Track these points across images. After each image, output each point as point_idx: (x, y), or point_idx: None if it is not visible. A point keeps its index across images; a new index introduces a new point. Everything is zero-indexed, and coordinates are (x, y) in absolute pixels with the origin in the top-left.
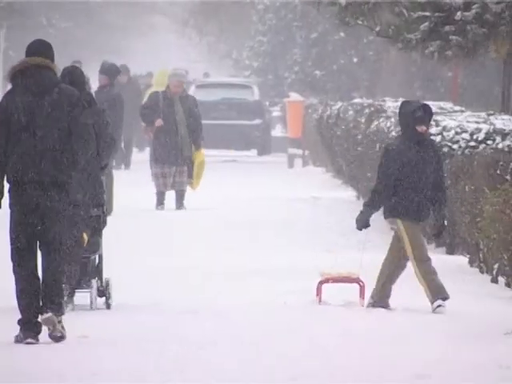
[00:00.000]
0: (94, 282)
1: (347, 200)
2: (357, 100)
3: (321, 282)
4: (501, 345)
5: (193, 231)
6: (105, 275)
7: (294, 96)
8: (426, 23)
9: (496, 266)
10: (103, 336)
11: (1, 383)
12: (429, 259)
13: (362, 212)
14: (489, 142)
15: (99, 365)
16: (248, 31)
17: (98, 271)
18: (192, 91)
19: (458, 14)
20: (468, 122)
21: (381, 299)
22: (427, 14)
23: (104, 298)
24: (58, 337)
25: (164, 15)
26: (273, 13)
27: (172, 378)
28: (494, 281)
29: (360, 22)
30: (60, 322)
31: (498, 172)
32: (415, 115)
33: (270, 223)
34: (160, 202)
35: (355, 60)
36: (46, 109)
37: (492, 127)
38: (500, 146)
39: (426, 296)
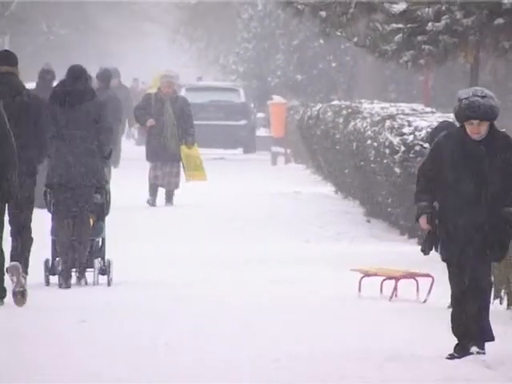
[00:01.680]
0: (97, 262)
1: (326, 194)
2: (335, 102)
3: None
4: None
5: (182, 224)
6: (106, 257)
7: (277, 98)
8: (400, 34)
9: None
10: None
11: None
12: None
13: None
14: None
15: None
16: (234, 38)
17: (101, 252)
18: (182, 94)
19: (430, 24)
20: (438, 121)
21: None
22: (401, 26)
23: (106, 276)
24: (20, 291)
25: (156, 23)
26: (257, 21)
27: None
28: None
29: (339, 34)
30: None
31: None
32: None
33: (254, 216)
34: (151, 194)
35: (333, 65)
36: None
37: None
38: None
39: None
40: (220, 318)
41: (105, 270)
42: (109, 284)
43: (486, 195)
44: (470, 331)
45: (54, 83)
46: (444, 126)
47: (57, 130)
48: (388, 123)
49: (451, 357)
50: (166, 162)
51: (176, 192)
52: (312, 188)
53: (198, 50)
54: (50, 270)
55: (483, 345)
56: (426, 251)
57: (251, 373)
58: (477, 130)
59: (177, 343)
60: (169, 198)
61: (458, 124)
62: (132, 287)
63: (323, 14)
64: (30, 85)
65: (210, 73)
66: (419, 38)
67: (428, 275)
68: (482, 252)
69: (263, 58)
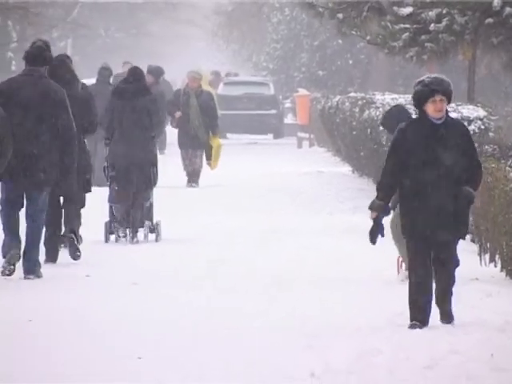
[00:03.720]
0: (147, 223)
1: (344, 174)
2: (352, 94)
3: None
4: (468, 288)
5: (218, 198)
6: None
7: (302, 91)
8: (407, 33)
9: None
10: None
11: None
12: None
13: None
14: None
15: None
16: (265, 40)
17: (149, 215)
18: (220, 88)
19: (432, 25)
20: None
21: None
22: (407, 26)
23: (154, 235)
24: None
25: (197, 27)
26: (284, 25)
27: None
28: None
29: (354, 33)
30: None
31: None
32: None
33: (283, 192)
34: (190, 178)
35: (350, 62)
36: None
37: (460, 115)
38: None
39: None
40: (254, 278)
41: (153, 229)
42: (156, 240)
43: (448, 176)
44: (428, 302)
45: (111, 79)
46: (396, 110)
47: (118, 119)
48: None
49: (413, 326)
50: (192, 149)
51: (211, 171)
52: (332, 168)
53: (234, 50)
54: (108, 230)
55: (451, 319)
56: (373, 241)
57: (283, 326)
58: (440, 106)
59: (216, 302)
60: (192, 178)
61: (411, 109)
62: (176, 244)
63: (340, 16)
64: (91, 80)
65: (243, 69)
66: (423, 36)
67: None
68: (449, 231)
69: (290, 57)
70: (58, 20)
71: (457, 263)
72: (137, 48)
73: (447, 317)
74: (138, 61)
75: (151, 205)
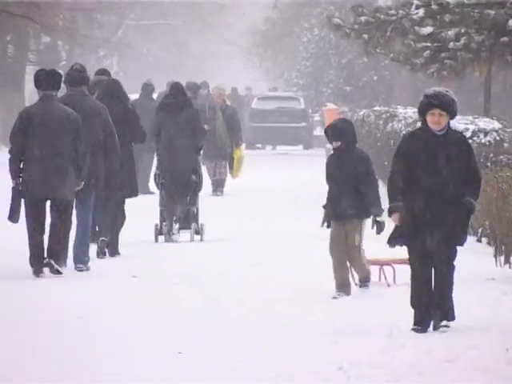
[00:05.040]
0: (193, 225)
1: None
2: (376, 108)
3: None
4: (484, 288)
5: (252, 203)
6: (200, 221)
7: (330, 105)
8: (427, 51)
9: (480, 230)
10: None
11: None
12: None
13: None
14: (474, 138)
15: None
16: (296, 57)
17: (196, 218)
18: (255, 102)
19: (451, 44)
20: (459, 123)
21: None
22: (428, 44)
23: (199, 236)
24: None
25: (233, 46)
26: (314, 44)
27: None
28: (479, 241)
29: (378, 51)
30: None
31: (482, 160)
32: (327, 134)
33: (312, 198)
34: (215, 187)
35: (375, 78)
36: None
37: (477, 127)
38: (483, 141)
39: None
40: (286, 281)
41: (198, 231)
42: (201, 240)
43: (447, 185)
44: (432, 309)
45: (154, 94)
46: (341, 122)
47: (164, 131)
48: (419, 124)
49: (418, 330)
50: (217, 159)
51: (244, 178)
52: None
53: (267, 67)
54: (158, 231)
55: (451, 317)
56: (392, 245)
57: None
58: (438, 120)
59: (251, 301)
60: (217, 187)
61: (351, 122)
62: (218, 245)
63: (366, 36)
64: (134, 96)
65: (276, 85)
66: (442, 54)
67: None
68: (448, 238)
69: (319, 73)
70: (104, 40)
71: (453, 267)
72: (177, 65)
73: (446, 315)
74: (178, 77)
75: (197, 209)
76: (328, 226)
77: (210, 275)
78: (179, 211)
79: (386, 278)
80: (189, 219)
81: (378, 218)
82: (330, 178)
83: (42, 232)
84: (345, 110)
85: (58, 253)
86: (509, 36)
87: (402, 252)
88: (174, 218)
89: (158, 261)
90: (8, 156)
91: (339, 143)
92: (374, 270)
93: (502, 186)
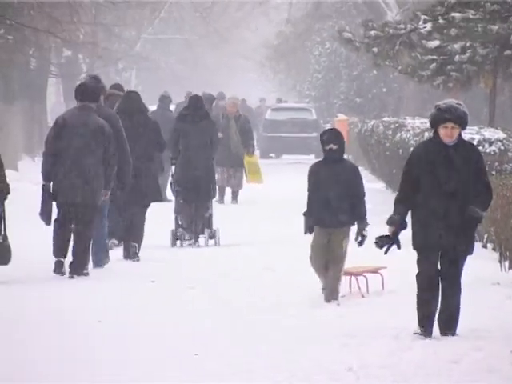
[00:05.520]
0: (207, 231)
1: (379, 189)
2: (385, 118)
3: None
4: (489, 292)
5: (264, 209)
6: (214, 227)
7: (341, 116)
8: (434, 64)
9: (485, 236)
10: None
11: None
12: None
13: None
14: (480, 147)
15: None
16: (308, 70)
17: (209, 224)
18: (268, 113)
19: (457, 57)
20: (465, 133)
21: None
22: (435, 57)
23: (213, 241)
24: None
25: (248, 59)
26: (325, 57)
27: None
28: (484, 246)
29: (387, 64)
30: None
31: (487, 169)
32: (323, 138)
33: None
34: (220, 194)
35: (384, 90)
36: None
37: (482, 137)
38: (488, 150)
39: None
40: (299, 286)
41: (212, 236)
42: (216, 244)
43: (457, 195)
44: (434, 313)
45: (171, 106)
46: (335, 129)
47: (183, 141)
48: (427, 134)
49: (423, 333)
50: (233, 167)
51: (256, 187)
52: (368, 184)
53: (280, 79)
54: (175, 237)
55: (455, 331)
56: (386, 252)
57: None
58: (450, 133)
59: (264, 305)
60: (234, 197)
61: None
62: (231, 249)
63: (375, 49)
64: (152, 107)
65: (288, 97)
66: (448, 66)
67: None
68: (457, 249)
69: (330, 85)
70: (122, 53)
71: (461, 275)
72: (194, 78)
73: (451, 329)
74: (194, 90)
75: (210, 215)
76: (311, 232)
77: (223, 279)
78: (198, 217)
79: (359, 288)
80: (203, 225)
81: (364, 232)
82: (320, 185)
83: (68, 234)
84: (355, 120)
85: (80, 257)
86: None
87: (373, 261)
88: (189, 224)
89: (173, 265)
90: (41, 159)
91: (336, 146)
92: (345, 281)
93: (506, 194)
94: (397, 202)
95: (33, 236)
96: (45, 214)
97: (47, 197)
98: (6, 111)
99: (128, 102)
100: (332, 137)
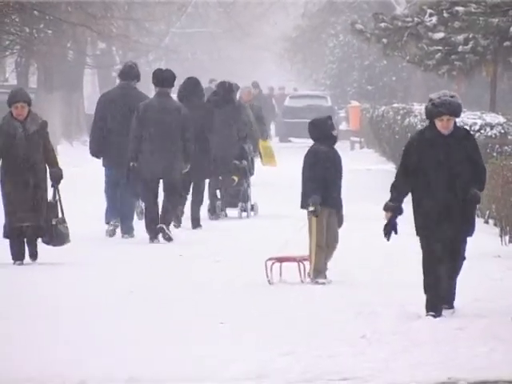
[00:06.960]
0: (240, 204)
1: (389, 170)
2: (395, 105)
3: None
4: (491, 264)
5: (285, 190)
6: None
7: (354, 103)
8: (439, 54)
9: (487, 213)
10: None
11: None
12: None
13: None
14: (482, 131)
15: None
16: (323, 61)
17: (244, 198)
18: (287, 100)
19: (460, 47)
20: (468, 118)
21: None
22: (440, 47)
23: (246, 213)
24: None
25: (267, 51)
26: (339, 48)
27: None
28: (486, 222)
29: (396, 54)
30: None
31: (488, 151)
32: (327, 124)
33: None
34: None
35: (393, 78)
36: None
37: (484, 121)
38: (489, 133)
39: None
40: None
41: (245, 209)
42: (254, 215)
43: (455, 179)
44: (442, 295)
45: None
46: (322, 119)
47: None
48: None
49: (434, 316)
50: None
51: (272, 169)
52: (379, 166)
53: (297, 69)
54: (210, 210)
55: (452, 305)
56: (388, 238)
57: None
58: (447, 125)
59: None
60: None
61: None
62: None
63: (385, 40)
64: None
65: (305, 85)
66: (453, 56)
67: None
68: (458, 230)
69: (343, 74)
70: (152, 46)
71: (464, 258)
72: (218, 69)
73: (450, 304)
74: (219, 79)
75: (245, 190)
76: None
77: (247, 253)
78: (225, 193)
79: (300, 275)
80: (237, 199)
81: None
82: (325, 167)
83: (156, 205)
84: (367, 106)
85: (168, 220)
86: (511, 41)
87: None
88: (219, 199)
89: (203, 238)
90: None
91: (336, 131)
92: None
93: (506, 174)
94: (392, 189)
95: (73, 216)
96: (131, 189)
97: (134, 174)
98: (45, 100)
99: (187, 86)
100: (333, 124)
